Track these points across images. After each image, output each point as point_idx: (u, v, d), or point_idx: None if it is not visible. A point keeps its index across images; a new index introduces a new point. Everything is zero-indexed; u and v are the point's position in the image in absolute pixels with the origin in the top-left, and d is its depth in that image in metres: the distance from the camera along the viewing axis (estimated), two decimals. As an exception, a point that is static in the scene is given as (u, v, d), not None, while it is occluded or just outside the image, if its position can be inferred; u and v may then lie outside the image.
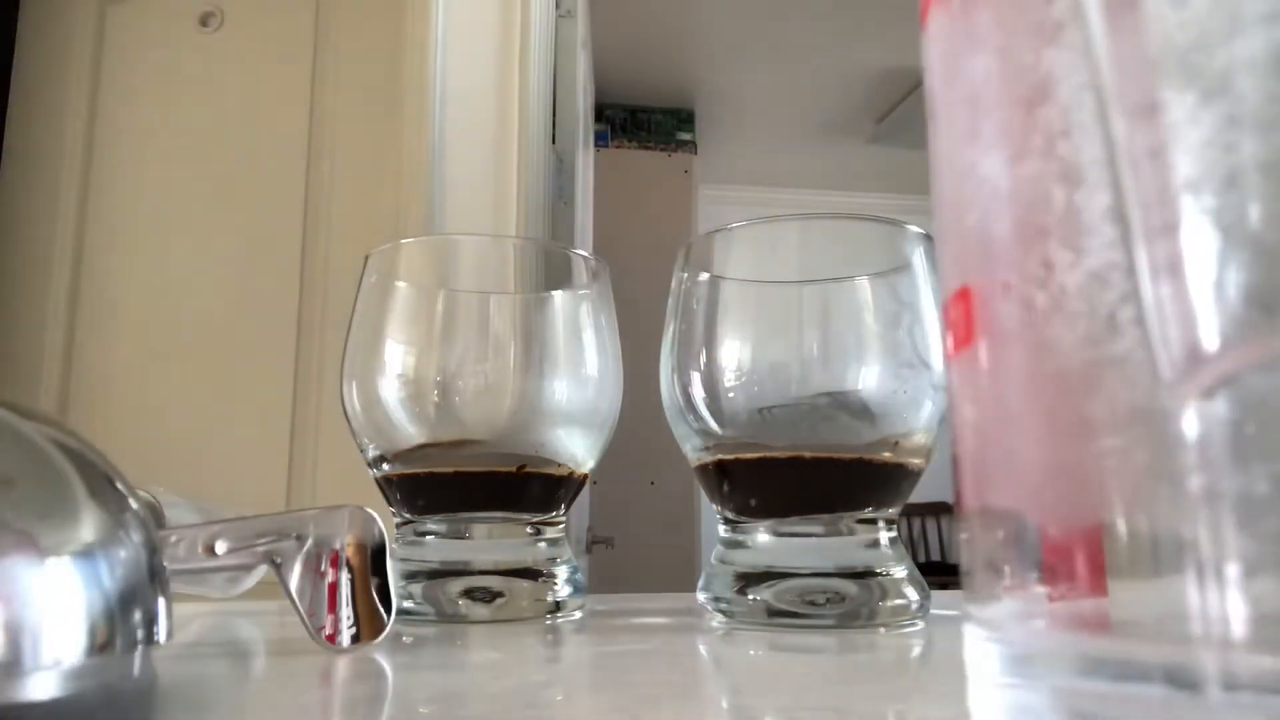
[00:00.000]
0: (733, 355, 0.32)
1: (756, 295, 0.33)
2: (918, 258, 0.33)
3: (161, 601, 0.18)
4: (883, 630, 0.29)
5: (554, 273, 0.37)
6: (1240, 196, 0.09)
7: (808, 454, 0.32)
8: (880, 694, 0.20)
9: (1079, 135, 0.11)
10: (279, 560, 0.24)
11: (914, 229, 0.33)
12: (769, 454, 0.32)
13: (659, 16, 2.78)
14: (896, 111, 3.25)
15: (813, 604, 0.30)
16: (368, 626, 0.25)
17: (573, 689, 0.21)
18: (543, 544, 0.36)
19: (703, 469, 0.34)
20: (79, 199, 1.84)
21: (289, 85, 1.44)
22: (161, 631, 0.18)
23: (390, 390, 0.34)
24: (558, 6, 1.49)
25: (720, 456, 0.33)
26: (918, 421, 0.32)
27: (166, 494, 0.32)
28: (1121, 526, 0.10)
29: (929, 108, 0.14)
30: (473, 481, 0.35)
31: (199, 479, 1.32)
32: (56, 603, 0.16)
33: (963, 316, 0.13)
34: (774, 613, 0.31)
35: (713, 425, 0.33)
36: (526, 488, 0.35)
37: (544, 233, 1.30)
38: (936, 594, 0.32)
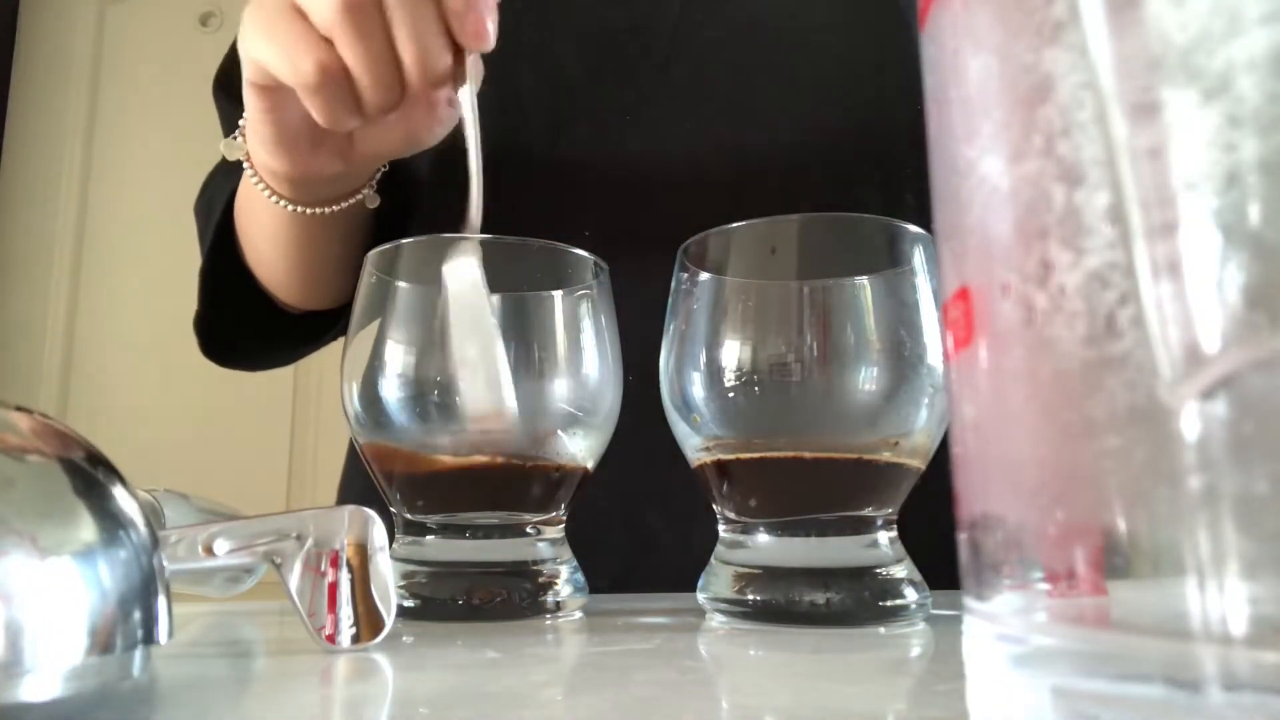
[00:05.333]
0: (733, 355, 0.32)
1: (756, 295, 0.33)
2: (917, 257, 0.33)
3: (161, 601, 0.18)
4: (882, 630, 0.29)
5: (554, 273, 0.37)
6: (1240, 196, 0.09)
7: (808, 454, 0.32)
8: (880, 694, 0.20)
9: (1079, 135, 0.11)
10: (279, 560, 0.24)
11: (914, 229, 0.33)
12: (769, 454, 0.32)
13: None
14: (896, 111, 3.24)
15: (813, 604, 0.30)
16: (368, 626, 0.25)
17: (573, 689, 0.21)
18: (543, 544, 0.36)
19: (703, 469, 0.34)
20: (79, 199, 1.84)
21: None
22: (161, 631, 0.18)
23: (390, 390, 0.34)
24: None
25: (720, 456, 0.33)
26: (918, 421, 0.32)
27: (166, 494, 0.33)
28: (1121, 526, 0.10)
29: (929, 107, 0.14)
30: (473, 481, 0.35)
31: (199, 479, 1.32)
32: (56, 603, 0.16)
33: (963, 316, 0.13)
34: (774, 613, 0.31)
35: (713, 425, 0.33)
36: (526, 487, 0.35)
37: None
38: (936, 594, 0.32)
